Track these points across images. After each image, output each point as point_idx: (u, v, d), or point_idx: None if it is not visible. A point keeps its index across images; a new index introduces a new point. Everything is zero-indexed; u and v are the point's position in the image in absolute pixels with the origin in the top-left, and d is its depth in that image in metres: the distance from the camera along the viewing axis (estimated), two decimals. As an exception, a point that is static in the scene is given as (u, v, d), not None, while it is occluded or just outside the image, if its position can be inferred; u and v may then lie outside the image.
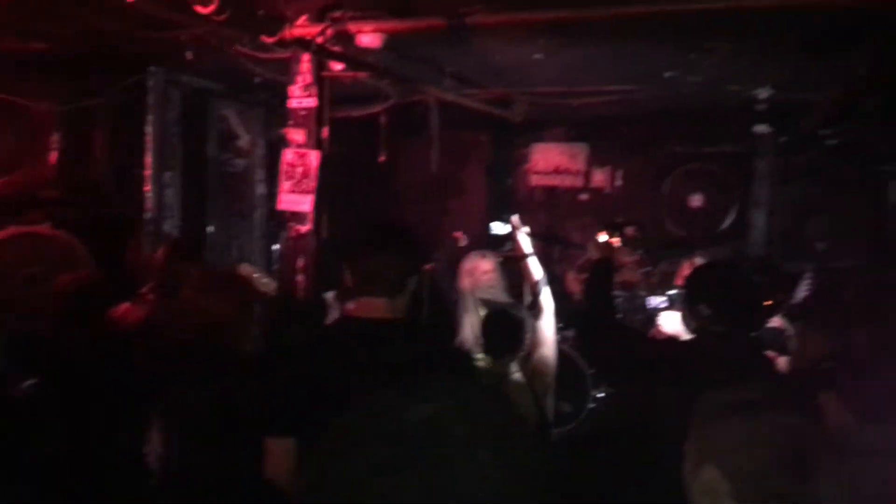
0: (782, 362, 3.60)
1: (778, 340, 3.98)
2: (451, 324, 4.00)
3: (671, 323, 4.51)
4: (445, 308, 4.28)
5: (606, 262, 3.42)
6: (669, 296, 4.30)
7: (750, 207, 6.47)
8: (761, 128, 6.21)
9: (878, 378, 2.40)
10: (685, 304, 2.99)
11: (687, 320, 2.99)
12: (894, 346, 3.09)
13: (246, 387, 2.64)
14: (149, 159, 4.96)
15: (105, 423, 2.84)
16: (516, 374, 3.36)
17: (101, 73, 4.88)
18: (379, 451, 0.95)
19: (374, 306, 2.30)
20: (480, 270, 4.13)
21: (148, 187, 4.96)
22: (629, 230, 6.07)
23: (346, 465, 0.96)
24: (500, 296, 4.10)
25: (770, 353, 3.57)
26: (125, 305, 3.57)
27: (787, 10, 2.82)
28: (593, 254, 3.61)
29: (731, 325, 2.82)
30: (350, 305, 2.45)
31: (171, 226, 5.13)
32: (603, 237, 3.71)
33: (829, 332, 3.42)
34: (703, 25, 3.50)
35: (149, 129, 4.95)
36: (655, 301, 4.58)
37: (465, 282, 4.09)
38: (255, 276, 3.89)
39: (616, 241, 3.80)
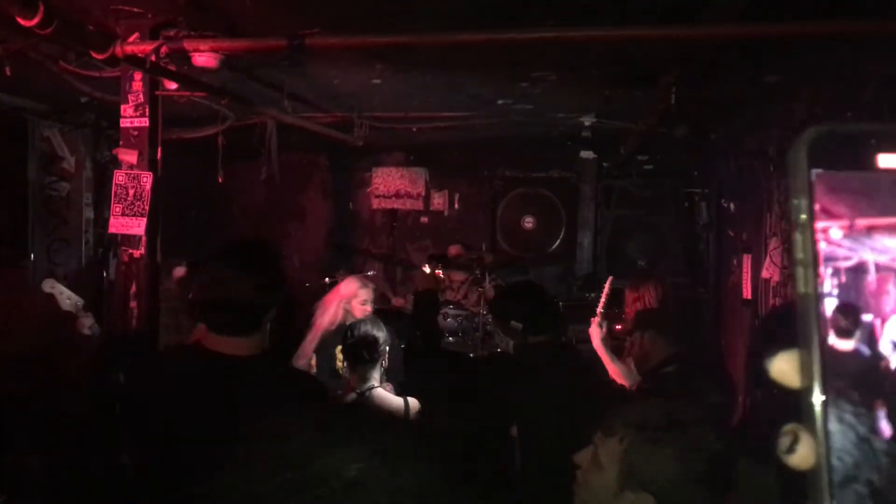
0: (621, 367, 3.91)
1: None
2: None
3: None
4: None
5: (431, 293, 3.52)
6: None
7: (577, 228, 6.88)
8: (586, 154, 6.65)
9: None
10: (497, 323, 3.19)
11: (502, 337, 3.21)
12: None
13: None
14: (-39, 182, 4.61)
15: None
16: (378, 390, 3.38)
17: None
18: None
19: (226, 343, 2.03)
20: (360, 298, 4.28)
21: (-40, 212, 4.60)
22: (452, 248, 6.31)
23: None
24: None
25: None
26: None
27: (601, 42, 3.06)
28: (420, 284, 3.72)
29: (544, 333, 3.04)
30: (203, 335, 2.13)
31: (-14, 253, 4.79)
32: (427, 269, 3.84)
33: (670, 338, 3.73)
34: (530, 56, 3.72)
35: (-39, 149, 4.61)
36: None
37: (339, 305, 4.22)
38: (60, 293, 3.68)
39: (439, 272, 3.95)
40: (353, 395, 3.29)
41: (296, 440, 0.98)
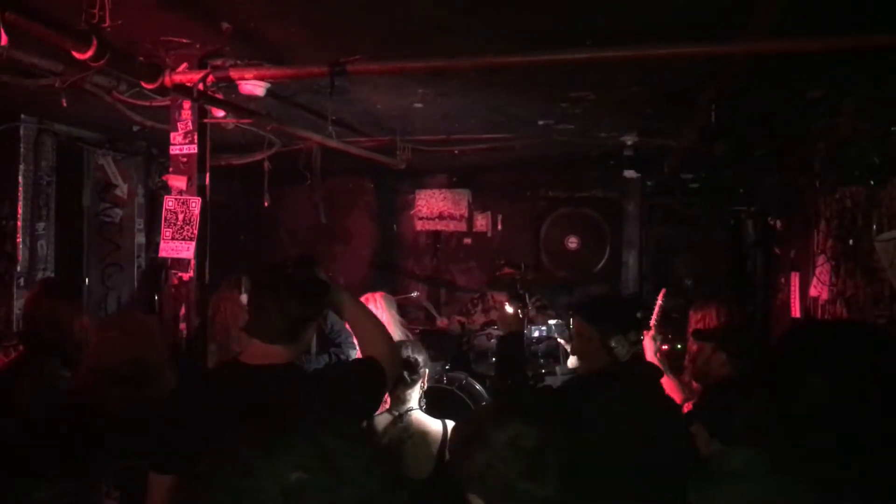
0: (675, 382, 3.88)
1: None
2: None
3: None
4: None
5: (517, 336, 3.41)
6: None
7: (622, 248, 6.83)
8: (630, 172, 6.60)
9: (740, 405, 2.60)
10: (610, 333, 3.07)
11: (622, 343, 3.07)
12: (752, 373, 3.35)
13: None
14: (20, 209, 4.80)
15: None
16: (416, 412, 3.39)
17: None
18: None
19: (266, 352, 2.19)
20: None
21: (20, 238, 4.79)
22: (507, 269, 6.29)
23: None
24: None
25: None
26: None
27: (637, 61, 3.07)
28: (503, 327, 3.59)
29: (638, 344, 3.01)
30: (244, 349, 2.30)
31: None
32: (509, 308, 3.69)
33: (733, 353, 3.64)
34: (568, 76, 3.75)
35: (21, 178, 4.81)
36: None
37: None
38: None
39: (522, 312, 3.80)
40: (388, 416, 3.30)
41: (241, 450, 1.00)
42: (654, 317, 4.09)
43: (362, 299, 4.65)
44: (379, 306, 4.63)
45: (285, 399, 2.11)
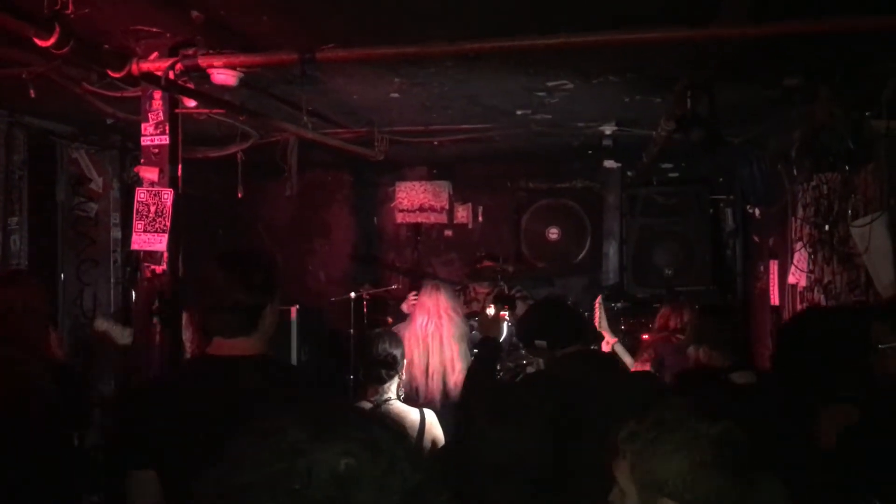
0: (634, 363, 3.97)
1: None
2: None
3: None
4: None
5: (494, 341, 3.42)
6: None
7: (602, 238, 6.83)
8: (610, 163, 6.60)
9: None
10: (523, 346, 3.17)
11: (532, 357, 3.21)
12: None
13: None
14: (-9, 204, 4.74)
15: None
16: (394, 402, 3.37)
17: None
18: None
19: (231, 346, 2.13)
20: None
21: (-9, 233, 4.73)
22: (486, 263, 6.26)
23: None
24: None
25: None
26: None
27: (612, 46, 3.05)
28: (480, 330, 3.61)
29: (571, 344, 3.05)
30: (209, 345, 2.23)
31: (17, 273, 4.88)
32: (490, 311, 3.68)
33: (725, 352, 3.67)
34: (544, 64, 3.72)
35: (-9, 172, 4.74)
36: None
37: None
38: (112, 328, 3.72)
39: (504, 314, 3.82)
40: (367, 406, 3.29)
41: (289, 433, 0.98)
42: (595, 321, 4.21)
43: (426, 290, 4.61)
44: (442, 300, 4.56)
45: (271, 387, 2.08)
